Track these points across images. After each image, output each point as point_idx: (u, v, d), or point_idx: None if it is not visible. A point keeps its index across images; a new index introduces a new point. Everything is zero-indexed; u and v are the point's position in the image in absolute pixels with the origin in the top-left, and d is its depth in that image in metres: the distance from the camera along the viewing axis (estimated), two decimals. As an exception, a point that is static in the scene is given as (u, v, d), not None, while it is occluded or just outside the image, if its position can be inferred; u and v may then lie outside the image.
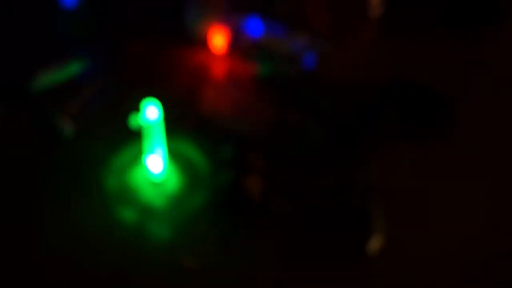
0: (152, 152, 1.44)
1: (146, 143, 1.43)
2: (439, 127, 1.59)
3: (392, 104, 1.59)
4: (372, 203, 1.41)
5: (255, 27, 1.71)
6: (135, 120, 1.38)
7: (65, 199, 1.43)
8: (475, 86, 1.67)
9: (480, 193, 1.47)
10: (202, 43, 1.72)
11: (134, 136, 1.44)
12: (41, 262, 1.34)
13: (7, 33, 1.70)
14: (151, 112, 1.38)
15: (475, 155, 1.54)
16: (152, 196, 1.44)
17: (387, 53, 1.72)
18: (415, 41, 1.74)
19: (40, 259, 1.34)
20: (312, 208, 1.42)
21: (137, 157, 1.48)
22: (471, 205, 1.45)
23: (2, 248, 1.36)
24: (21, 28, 1.72)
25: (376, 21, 1.73)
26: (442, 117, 1.60)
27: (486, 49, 1.76)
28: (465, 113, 1.60)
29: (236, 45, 1.71)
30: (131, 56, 1.70)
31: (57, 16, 1.74)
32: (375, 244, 1.37)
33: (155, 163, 1.45)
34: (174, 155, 1.49)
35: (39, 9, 1.73)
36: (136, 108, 1.39)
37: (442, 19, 1.78)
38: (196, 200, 1.43)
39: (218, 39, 1.71)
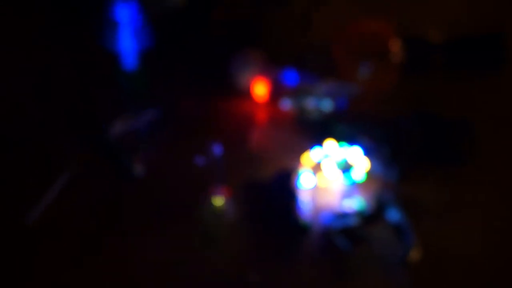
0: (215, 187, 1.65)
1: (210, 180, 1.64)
2: (463, 153, 1.79)
3: (419, 132, 1.79)
4: (408, 219, 1.62)
5: (291, 77, 1.92)
6: (199, 160, 1.59)
7: (137, 232, 1.63)
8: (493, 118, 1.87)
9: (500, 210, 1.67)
10: (246, 93, 1.92)
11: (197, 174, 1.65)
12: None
13: (88, 92, 1.93)
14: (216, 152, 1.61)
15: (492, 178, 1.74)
16: (216, 224, 1.65)
17: (408, 92, 1.92)
18: (432, 81, 1.95)
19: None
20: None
21: (201, 192, 1.69)
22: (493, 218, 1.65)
23: (77, 280, 1.54)
24: (96, 87, 1.95)
25: (395, 64, 1.93)
26: (465, 144, 1.80)
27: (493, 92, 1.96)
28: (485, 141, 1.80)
29: (275, 93, 1.91)
30: (188, 108, 1.91)
31: (121, 77, 1.96)
32: (414, 255, 1.57)
33: (218, 197, 1.66)
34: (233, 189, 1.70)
35: (108, 70, 1.96)
36: (198, 149, 1.61)
37: (451, 64, 1.98)
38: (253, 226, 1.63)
39: (260, 89, 1.92)
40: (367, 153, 1.77)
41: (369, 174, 1.76)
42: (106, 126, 1.76)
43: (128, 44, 1.87)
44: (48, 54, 2.02)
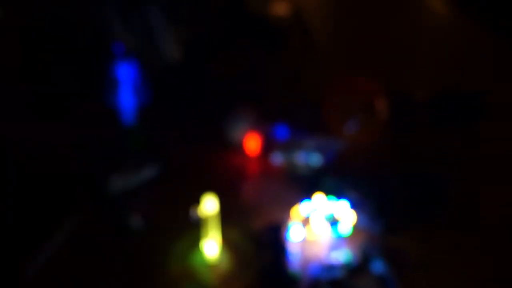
0: (208, 238, 1.72)
1: (204, 231, 1.71)
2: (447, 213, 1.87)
3: (403, 188, 1.88)
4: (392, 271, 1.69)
5: (282, 132, 2.01)
6: (194, 213, 1.67)
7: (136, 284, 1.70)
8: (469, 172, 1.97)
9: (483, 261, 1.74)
10: (240, 147, 2.01)
11: (192, 226, 1.72)
12: None
13: (87, 149, 2.01)
14: (210, 206, 1.67)
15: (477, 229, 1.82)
16: (208, 276, 1.71)
17: (393, 147, 2.02)
18: (417, 137, 2.05)
19: None
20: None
21: (195, 243, 1.76)
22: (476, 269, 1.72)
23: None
24: (94, 143, 2.03)
25: (381, 121, 2.03)
26: (438, 198, 1.89)
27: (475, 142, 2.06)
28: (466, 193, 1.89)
29: (267, 148, 2.00)
30: (184, 162, 2.00)
31: (119, 133, 2.04)
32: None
33: (211, 248, 1.73)
34: (226, 240, 1.77)
35: (107, 126, 2.05)
36: (193, 202, 1.69)
37: (434, 119, 2.09)
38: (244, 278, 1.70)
39: (252, 143, 2.00)
40: (353, 206, 1.84)
41: (355, 227, 1.83)
42: (105, 180, 1.82)
43: (127, 100, 1.94)
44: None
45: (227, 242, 1.77)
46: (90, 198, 1.81)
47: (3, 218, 1.80)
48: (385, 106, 2.01)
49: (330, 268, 1.73)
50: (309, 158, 1.95)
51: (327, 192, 1.86)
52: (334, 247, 1.80)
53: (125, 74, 1.90)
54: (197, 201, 1.69)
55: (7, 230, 1.77)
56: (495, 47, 2.31)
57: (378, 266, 1.72)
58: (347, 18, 2.33)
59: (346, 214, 1.83)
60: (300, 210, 1.84)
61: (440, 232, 1.83)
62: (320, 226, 1.83)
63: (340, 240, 1.82)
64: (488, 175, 1.97)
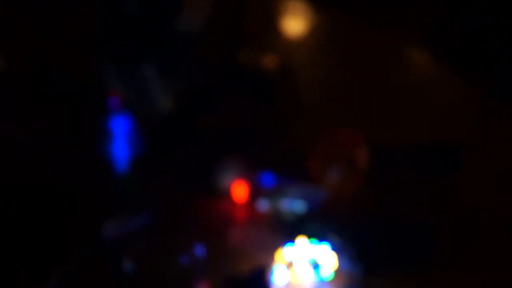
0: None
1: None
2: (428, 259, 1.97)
3: (384, 234, 1.98)
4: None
5: (268, 180, 2.11)
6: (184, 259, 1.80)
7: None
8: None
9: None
10: (227, 195, 2.10)
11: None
12: None
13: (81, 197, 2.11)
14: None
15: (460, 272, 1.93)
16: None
17: (373, 197, 2.12)
18: (398, 183, 2.15)
19: None
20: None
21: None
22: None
23: None
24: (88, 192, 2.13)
25: (362, 171, 2.12)
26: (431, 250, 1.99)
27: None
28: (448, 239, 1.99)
29: (254, 195, 2.10)
30: (173, 209, 2.09)
31: (112, 180, 2.13)
32: None
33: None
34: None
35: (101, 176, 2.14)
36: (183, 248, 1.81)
37: (415, 169, 2.19)
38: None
39: (239, 190, 2.10)
40: (335, 249, 1.94)
41: (337, 270, 1.93)
42: (99, 227, 1.93)
43: (121, 151, 2.04)
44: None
45: (215, 285, 1.87)
46: (84, 243, 1.90)
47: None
48: (366, 157, 2.11)
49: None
50: (294, 205, 2.04)
51: (310, 236, 1.96)
52: (316, 290, 1.89)
53: (119, 125, 2.00)
54: (186, 247, 1.82)
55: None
56: (479, 102, 2.42)
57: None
58: (333, 71, 2.44)
59: (328, 257, 1.92)
60: (284, 253, 1.94)
61: (422, 275, 1.93)
62: (303, 269, 1.92)
63: (323, 284, 1.91)
64: (466, 224, 2.07)
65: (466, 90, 2.44)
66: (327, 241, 1.96)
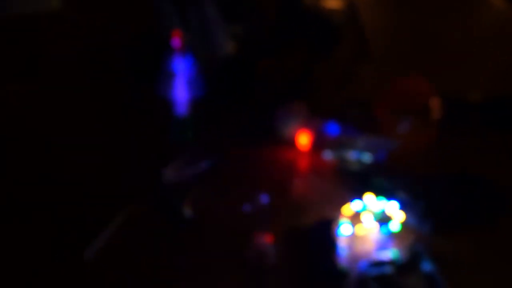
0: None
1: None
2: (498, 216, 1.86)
3: (454, 191, 1.88)
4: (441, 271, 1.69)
5: (333, 129, 2.02)
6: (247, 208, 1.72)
7: (187, 274, 1.71)
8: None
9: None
10: (291, 143, 2.02)
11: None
12: None
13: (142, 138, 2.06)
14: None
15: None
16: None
17: (445, 149, 2.00)
18: (470, 140, 2.03)
19: None
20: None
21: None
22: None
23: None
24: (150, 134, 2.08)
25: (436, 122, 2.02)
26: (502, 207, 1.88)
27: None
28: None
29: (318, 143, 2.01)
30: (236, 157, 2.02)
31: (174, 125, 2.07)
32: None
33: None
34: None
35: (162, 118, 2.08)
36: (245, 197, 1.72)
37: (489, 123, 2.07)
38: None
39: (304, 139, 2.01)
40: (403, 207, 1.84)
41: (404, 226, 1.84)
42: (160, 171, 1.86)
43: (181, 93, 1.97)
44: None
45: (278, 237, 1.78)
46: (144, 189, 1.83)
47: (59, 208, 1.84)
48: (438, 107, 2.00)
49: (378, 264, 1.73)
50: (360, 156, 1.95)
51: (377, 193, 1.86)
52: (382, 244, 1.80)
53: (180, 67, 1.93)
54: (249, 196, 1.73)
55: (64, 220, 1.81)
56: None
57: (426, 266, 1.72)
58: (402, 15, 2.31)
59: (395, 214, 1.84)
60: (350, 207, 1.85)
61: (491, 234, 1.82)
62: (370, 223, 1.84)
63: (389, 238, 1.82)
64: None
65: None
66: (394, 197, 1.86)
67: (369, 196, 1.86)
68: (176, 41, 1.88)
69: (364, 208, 1.85)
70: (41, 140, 2.06)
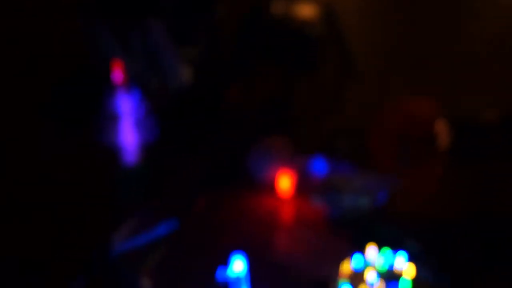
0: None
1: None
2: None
3: (474, 236, 1.58)
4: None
5: (321, 167, 1.73)
6: (222, 273, 1.42)
7: None
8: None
9: None
10: (269, 187, 1.74)
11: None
12: None
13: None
14: (238, 265, 1.42)
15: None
16: None
17: (458, 186, 1.73)
18: (487, 171, 1.76)
19: None
20: None
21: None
22: None
23: None
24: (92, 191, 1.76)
25: (444, 153, 1.73)
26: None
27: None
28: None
29: (303, 186, 1.73)
30: (200, 210, 1.72)
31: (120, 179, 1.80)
32: None
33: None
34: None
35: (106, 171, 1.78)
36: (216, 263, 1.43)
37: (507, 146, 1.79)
38: None
39: (285, 182, 1.73)
40: (412, 259, 1.56)
41: (416, 284, 1.53)
42: (107, 238, 1.55)
43: (128, 138, 1.70)
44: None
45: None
46: (90, 262, 1.52)
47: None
48: (447, 133, 1.70)
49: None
50: (357, 200, 1.65)
51: (381, 244, 1.56)
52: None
53: (126, 106, 1.65)
54: (221, 261, 1.44)
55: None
56: None
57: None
58: (395, 23, 2.07)
59: (405, 269, 1.54)
60: (349, 265, 1.55)
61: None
62: (375, 282, 1.54)
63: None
64: None
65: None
66: (402, 248, 1.57)
67: (371, 249, 1.56)
68: (118, 73, 1.58)
69: (366, 265, 1.56)
70: None
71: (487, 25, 2.10)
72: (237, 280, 1.42)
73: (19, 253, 1.66)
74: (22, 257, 1.65)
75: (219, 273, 1.46)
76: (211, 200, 1.73)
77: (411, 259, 1.55)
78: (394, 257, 1.56)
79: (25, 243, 1.68)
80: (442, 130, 1.71)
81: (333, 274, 1.54)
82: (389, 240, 1.58)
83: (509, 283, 1.55)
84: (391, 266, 1.55)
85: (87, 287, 1.52)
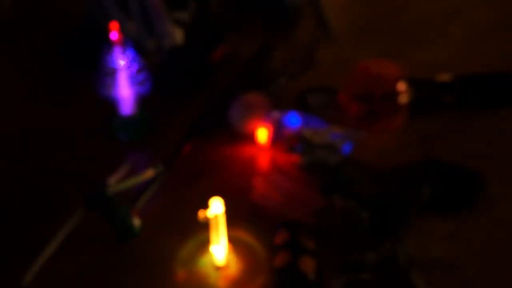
0: (216, 240, 1.58)
1: (211, 233, 1.57)
2: (472, 201, 1.70)
3: (427, 181, 1.69)
4: (415, 274, 1.53)
5: (294, 120, 1.84)
6: (202, 214, 1.52)
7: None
8: (504, 161, 1.79)
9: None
10: (247, 138, 1.86)
11: (198, 228, 1.58)
12: None
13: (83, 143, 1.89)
14: (216, 207, 1.53)
15: (507, 228, 1.64)
16: (217, 279, 1.58)
17: (416, 135, 1.85)
18: (441, 122, 1.89)
19: None
20: (361, 281, 1.54)
21: (202, 246, 1.63)
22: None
23: None
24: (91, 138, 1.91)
25: (404, 106, 1.85)
26: (474, 191, 1.72)
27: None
28: (496, 187, 1.72)
29: (278, 138, 1.84)
30: (185, 155, 1.84)
31: (115, 122, 1.91)
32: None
33: (219, 250, 1.59)
34: (234, 241, 1.63)
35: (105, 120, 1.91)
36: (199, 204, 1.54)
37: (459, 103, 1.92)
38: (256, 281, 1.57)
39: (262, 134, 1.84)
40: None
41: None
42: (102, 180, 1.67)
43: (124, 90, 1.80)
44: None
45: (237, 244, 1.63)
46: (86, 198, 1.64)
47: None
48: (407, 89, 1.84)
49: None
50: (326, 151, 1.78)
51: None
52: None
53: (123, 62, 1.74)
54: (203, 203, 1.54)
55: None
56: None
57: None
58: None
59: None
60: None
61: (468, 230, 1.65)
62: None
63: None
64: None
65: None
66: None
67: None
68: (115, 33, 1.69)
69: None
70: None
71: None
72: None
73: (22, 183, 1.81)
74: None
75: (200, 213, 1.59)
76: (196, 147, 1.85)
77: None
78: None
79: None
80: (402, 87, 1.84)
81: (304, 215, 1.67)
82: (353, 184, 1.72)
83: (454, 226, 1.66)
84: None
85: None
